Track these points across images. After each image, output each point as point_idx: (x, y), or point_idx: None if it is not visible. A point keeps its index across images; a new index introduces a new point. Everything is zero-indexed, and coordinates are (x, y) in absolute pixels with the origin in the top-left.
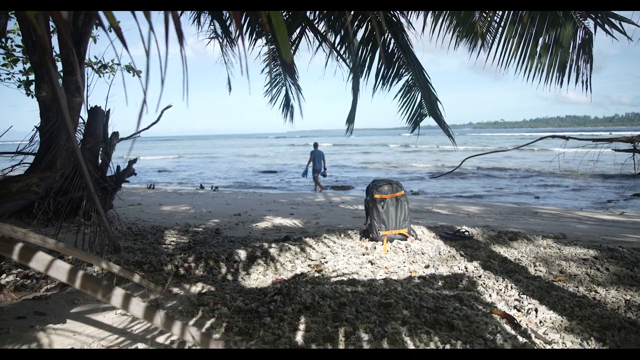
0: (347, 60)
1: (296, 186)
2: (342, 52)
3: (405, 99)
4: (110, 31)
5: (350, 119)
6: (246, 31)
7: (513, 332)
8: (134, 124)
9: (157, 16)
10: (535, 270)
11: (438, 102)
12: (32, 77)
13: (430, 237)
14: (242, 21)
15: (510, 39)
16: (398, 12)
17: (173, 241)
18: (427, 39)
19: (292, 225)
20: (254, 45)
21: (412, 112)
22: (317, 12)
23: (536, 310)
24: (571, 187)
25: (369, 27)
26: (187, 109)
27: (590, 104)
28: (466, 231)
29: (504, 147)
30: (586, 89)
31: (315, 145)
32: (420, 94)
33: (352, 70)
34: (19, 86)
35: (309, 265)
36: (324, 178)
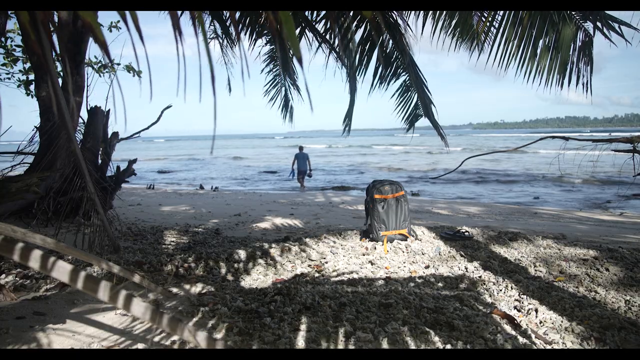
0: (346, 61)
1: (296, 186)
2: (341, 53)
3: (402, 99)
4: (110, 31)
5: (348, 118)
6: (246, 31)
7: (513, 333)
8: (133, 124)
9: (158, 16)
10: (535, 270)
11: (432, 105)
12: (32, 76)
13: (430, 238)
14: (242, 21)
15: (510, 41)
16: (396, 14)
17: (173, 241)
18: (427, 40)
19: (292, 226)
20: (254, 45)
21: (409, 113)
22: (316, 13)
23: (536, 311)
24: (571, 188)
25: (368, 27)
26: (186, 110)
27: (590, 104)
28: (466, 231)
29: (503, 147)
30: (587, 90)
31: (301, 148)
32: (416, 94)
33: (349, 71)
34: (18, 86)
35: (309, 266)
36: (309, 179)
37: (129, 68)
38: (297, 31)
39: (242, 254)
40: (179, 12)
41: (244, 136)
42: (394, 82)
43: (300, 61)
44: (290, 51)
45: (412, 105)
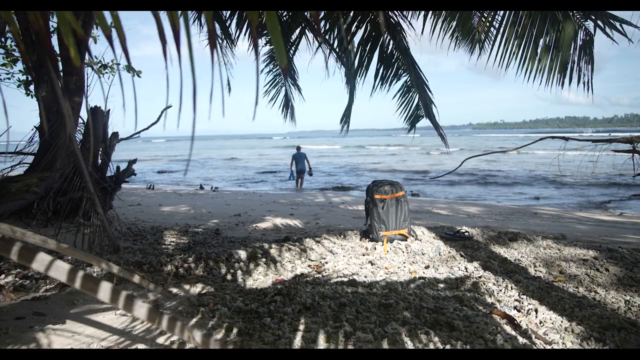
0: (346, 61)
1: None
2: (341, 53)
3: (403, 99)
4: (111, 31)
5: (346, 118)
6: (246, 31)
7: (513, 333)
8: (132, 124)
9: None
10: (535, 270)
11: (433, 105)
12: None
13: (430, 238)
14: (241, 21)
15: (510, 41)
16: (397, 14)
17: (173, 241)
18: (427, 40)
19: (292, 226)
20: (253, 45)
21: (410, 113)
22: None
23: (536, 311)
24: (570, 188)
25: (369, 27)
26: (186, 111)
27: (589, 105)
28: (466, 231)
29: (503, 147)
30: (588, 89)
31: (298, 148)
32: (418, 95)
33: (347, 71)
34: (18, 86)
35: (309, 266)
36: (310, 177)
37: (129, 68)
38: (297, 31)
39: (242, 254)
40: (179, 13)
41: (244, 136)
42: (395, 82)
43: (284, 73)
44: (291, 53)
45: (414, 106)
